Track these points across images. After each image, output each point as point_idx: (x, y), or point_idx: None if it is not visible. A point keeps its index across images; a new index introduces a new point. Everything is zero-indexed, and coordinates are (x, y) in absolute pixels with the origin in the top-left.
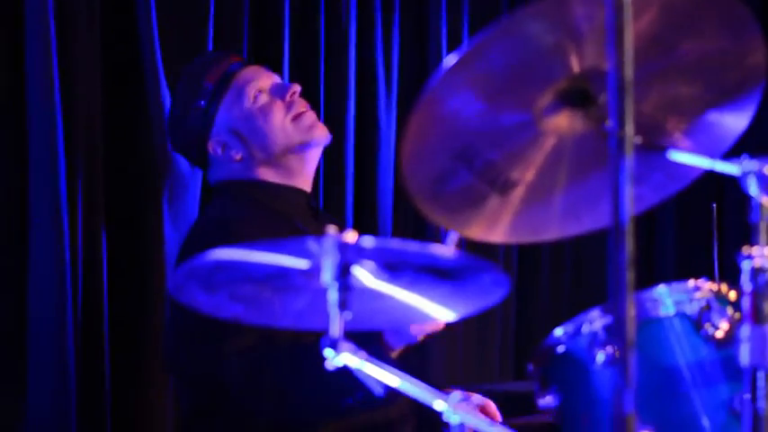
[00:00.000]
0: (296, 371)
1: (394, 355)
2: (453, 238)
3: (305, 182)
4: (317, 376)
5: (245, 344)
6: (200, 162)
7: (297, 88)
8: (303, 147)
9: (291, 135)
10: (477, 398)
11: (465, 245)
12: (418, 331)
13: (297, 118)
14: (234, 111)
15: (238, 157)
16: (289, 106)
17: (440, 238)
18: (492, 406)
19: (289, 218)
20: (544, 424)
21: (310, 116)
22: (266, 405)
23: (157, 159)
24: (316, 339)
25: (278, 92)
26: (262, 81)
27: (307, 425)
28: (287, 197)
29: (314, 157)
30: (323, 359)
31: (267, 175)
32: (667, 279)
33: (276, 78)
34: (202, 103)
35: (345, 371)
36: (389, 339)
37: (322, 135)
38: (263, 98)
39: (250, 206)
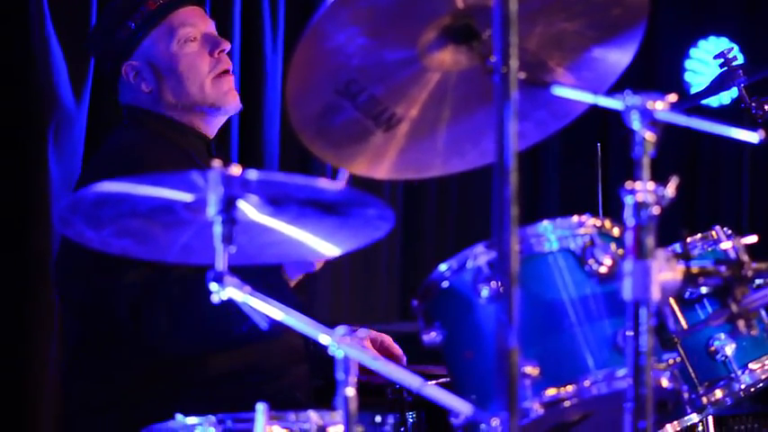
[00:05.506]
0: (183, 302)
1: (292, 284)
2: (344, 175)
3: (206, 132)
4: (203, 307)
5: (135, 276)
6: (111, 78)
7: (227, 46)
8: (213, 109)
9: (207, 93)
10: (362, 332)
11: (351, 181)
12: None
13: (218, 78)
14: (159, 46)
15: (147, 89)
16: (214, 63)
17: (325, 173)
18: (389, 340)
19: (188, 154)
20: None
21: (230, 80)
22: (155, 335)
23: (43, 95)
24: (202, 271)
25: (208, 44)
26: (197, 27)
27: (196, 356)
28: (188, 136)
29: (219, 121)
30: (208, 291)
31: (172, 113)
32: (551, 215)
33: (211, 26)
34: (132, 24)
35: (231, 303)
36: (287, 270)
37: (234, 104)
38: (192, 46)
39: (154, 137)
